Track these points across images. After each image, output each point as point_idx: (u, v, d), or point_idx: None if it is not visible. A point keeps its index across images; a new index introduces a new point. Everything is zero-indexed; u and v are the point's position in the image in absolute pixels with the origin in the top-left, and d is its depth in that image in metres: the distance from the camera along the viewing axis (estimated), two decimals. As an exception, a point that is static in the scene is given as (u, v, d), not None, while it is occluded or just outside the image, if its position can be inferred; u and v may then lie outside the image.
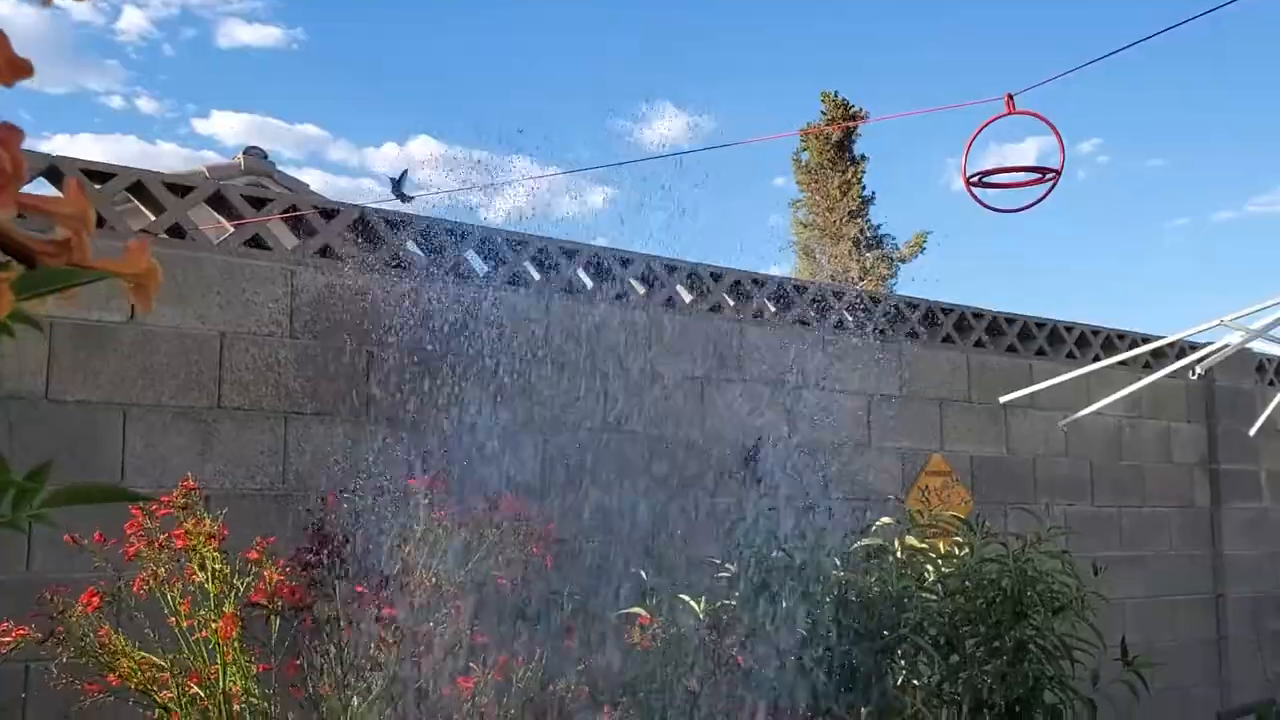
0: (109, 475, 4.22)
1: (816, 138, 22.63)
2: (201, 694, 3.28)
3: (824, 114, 22.95)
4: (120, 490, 1.12)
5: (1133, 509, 7.80)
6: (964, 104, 4.08)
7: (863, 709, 3.71)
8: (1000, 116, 3.79)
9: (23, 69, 0.79)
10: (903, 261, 23.64)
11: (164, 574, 3.28)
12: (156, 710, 3.29)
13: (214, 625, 3.27)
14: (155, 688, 3.26)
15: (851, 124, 21.56)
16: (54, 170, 4.34)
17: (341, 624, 3.27)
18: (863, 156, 23.43)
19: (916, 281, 24.21)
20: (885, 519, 4.50)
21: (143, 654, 3.28)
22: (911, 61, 31.05)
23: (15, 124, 0.80)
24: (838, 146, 23.06)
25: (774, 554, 4.13)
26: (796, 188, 23.78)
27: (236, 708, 3.29)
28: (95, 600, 3.22)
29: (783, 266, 23.41)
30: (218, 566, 3.32)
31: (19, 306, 0.83)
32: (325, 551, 3.33)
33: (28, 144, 0.82)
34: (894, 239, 23.81)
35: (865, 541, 4.32)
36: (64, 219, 0.88)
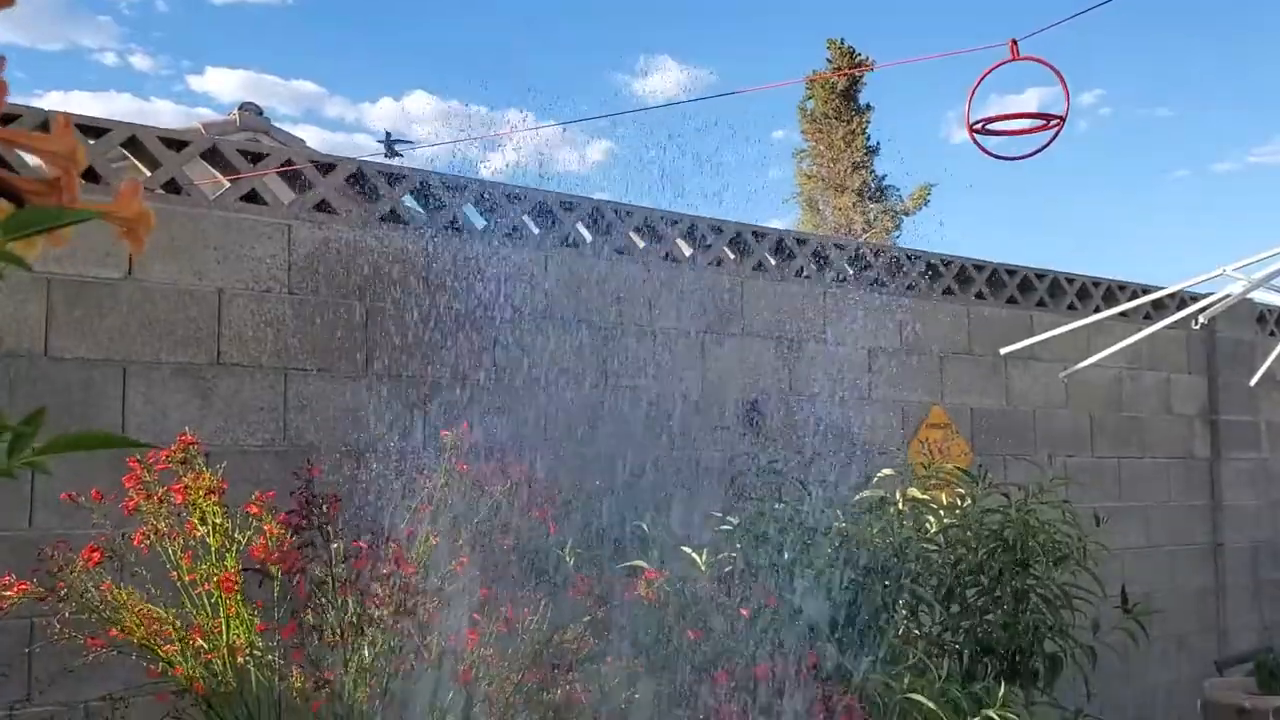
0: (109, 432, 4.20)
1: (822, 86, 22.41)
2: (205, 647, 3.29)
3: (830, 62, 22.73)
4: (118, 437, 1.10)
5: (1132, 460, 7.82)
6: (968, 50, 4.02)
7: (865, 659, 3.73)
8: (1005, 62, 3.74)
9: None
10: (906, 214, 23.53)
11: (164, 528, 3.28)
12: (160, 664, 3.30)
13: (216, 579, 3.27)
14: (158, 642, 3.27)
15: (857, 70, 21.36)
16: (47, 126, 4.29)
17: (336, 584, 3.27)
18: (868, 106, 23.23)
19: (922, 236, 24.17)
20: (887, 470, 4.50)
21: (145, 608, 3.29)
22: (918, 6, 30.71)
23: (-5, 50, 0.77)
24: (843, 95, 22.85)
25: (776, 506, 4.14)
26: (800, 138, 23.61)
27: (240, 660, 3.30)
28: (96, 555, 3.22)
29: (786, 219, 23.31)
30: (219, 521, 3.31)
31: (8, 248, 0.81)
32: (313, 514, 3.31)
33: (20, 100, 0.80)
34: (898, 190, 23.68)
35: (867, 493, 4.32)
36: (52, 157, 0.86)
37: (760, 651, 3.61)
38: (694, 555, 4.02)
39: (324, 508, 3.35)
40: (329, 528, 3.33)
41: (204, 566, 3.30)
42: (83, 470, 3.54)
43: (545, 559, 3.84)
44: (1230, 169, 32.23)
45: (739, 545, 4.06)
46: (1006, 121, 4.07)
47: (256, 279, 4.63)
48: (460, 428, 3.82)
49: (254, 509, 3.42)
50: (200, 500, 3.30)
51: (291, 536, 3.34)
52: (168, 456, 3.34)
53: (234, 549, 3.35)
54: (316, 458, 4.26)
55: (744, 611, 3.78)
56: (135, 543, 3.29)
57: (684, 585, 3.84)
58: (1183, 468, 8.12)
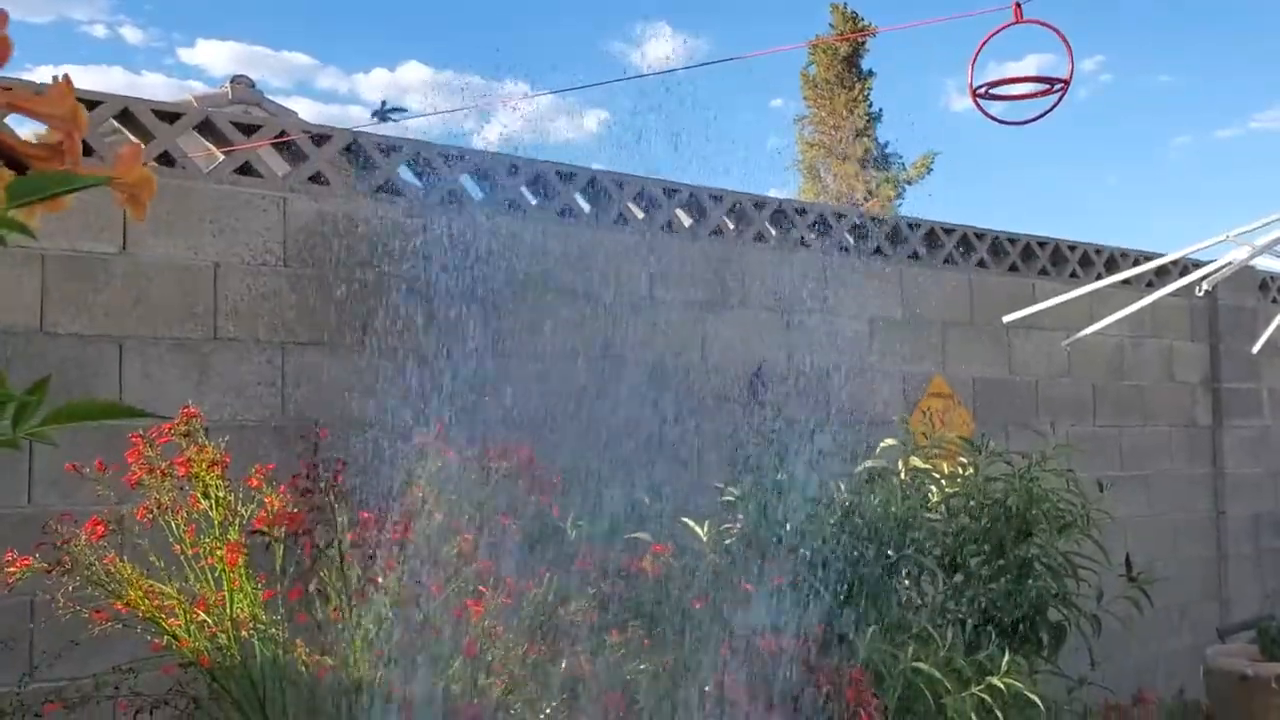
0: (114, 402, 4.18)
1: (825, 52, 22.28)
2: (209, 620, 3.28)
3: (832, 27, 22.58)
4: (122, 407, 1.08)
5: (1135, 428, 7.80)
6: (971, 13, 3.98)
7: (869, 628, 3.72)
8: (1008, 25, 3.69)
9: None
10: (909, 183, 23.44)
11: (167, 502, 3.26)
12: (165, 637, 3.29)
13: (219, 553, 3.26)
14: (163, 615, 3.26)
15: (860, 34, 21.22)
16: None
17: (342, 549, 3.26)
18: (870, 72, 23.11)
19: (928, 200, 24.05)
20: (889, 440, 4.48)
21: (150, 582, 3.27)
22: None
23: None
24: (845, 61, 22.71)
25: (777, 476, 4.12)
26: (801, 105, 23.50)
27: (245, 634, 3.29)
28: (100, 529, 3.20)
29: (788, 188, 23.22)
30: (221, 494, 3.29)
31: (10, 214, 0.78)
32: (319, 477, 3.30)
33: (10, 74, 0.77)
34: (900, 159, 23.58)
35: (869, 463, 4.30)
36: (53, 119, 0.82)
37: (764, 623, 3.60)
38: (695, 526, 4.01)
39: (331, 473, 3.34)
40: (335, 491, 3.32)
41: (207, 540, 3.29)
42: (80, 446, 3.52)
43: (547, 531, 3.83)
44: (1232, 135, 32.15)
45: (740, 516, 4.04)
46: (1010, 86, 4.02)
47: (252, 252, 4.59)
48: (456, 400, 3.80)
49: (255, 482, 3.40)
50: (203, 473, 3.28)
51: (300, 498, 3.33)
52: (170, 430, 3.32)
53: (236, 522, 3.33)
54: (316, 431, 4.24)
55: (747, 586, 3.77)
56: (139, 516, 3.27)
57: (687, 560, 3.83)
58: (1185, 436, 8.11)
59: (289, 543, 3.35)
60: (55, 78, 0.81)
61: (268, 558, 3.44)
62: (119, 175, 0.82)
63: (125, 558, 3.33)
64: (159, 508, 3.25)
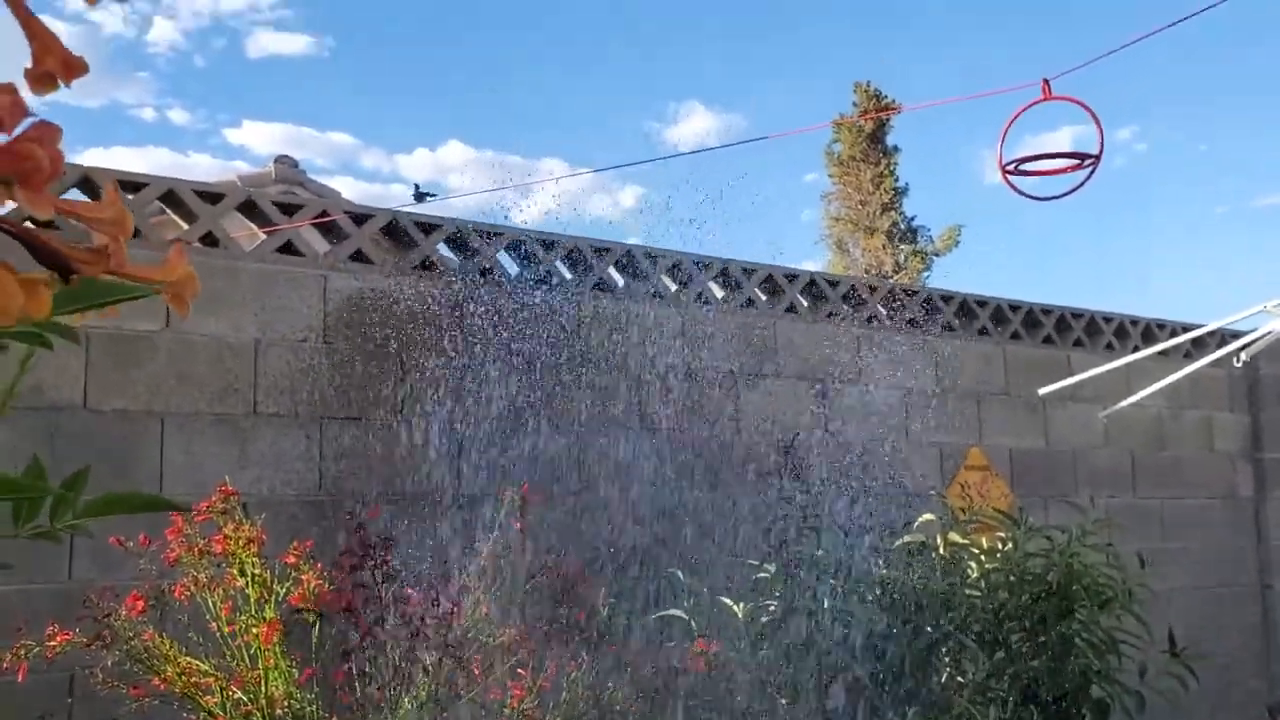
0: (148, 483, 4.24)
1: (849, 129, 22.48)
2: (245, 699, 3.28)
3: (856, 105, 22.81)
4: (157, 499, 1.10)
5: (1175, 500, 7.69)
6: (999, 91, 4.02)
7: (909, 708, 3.66)
8: (1037, 102, 3.72)
9: (78, 67, 0.77)
10: (937, 255, 23.46)
11: (205, 579, 3.28)
12: (201, 714, 3.29)
13: (255, 630, 3.27)
14: (199, 692, 3.27)
15: (884, 113, 21.40)
16: (87, 181, 4.36)
17: (388, 627, 3.26)
18: (895, 148, 23.27)
19: (951, 276, 24.00)
20: (927, 515, 4.45)
21: (187, 659, 3.28)
22: (943, 53, 30.82)
23: (51, 121, 0.78)
24: (870, 138, 22.90)
25: (816, 552, 4.09)
26: (828, 181, 23.66)
27: (279, 712, 3.29)
28: (140, 604, 3.23)
29: (816, 261, 23.28)
30: (257, 571, 3.32)
31: (57, 319, 0.81)
32: (369, 555, 3.32)
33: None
34: (928, 231, 23.63)
35: (907, 538, 4.27)
36: (101, 225, 0.85)
37: (807, 707, 3.56)
38: (732, 605, 3.98)
39: (379, 550, 3.36)
40: (381, 571, 3.34)
41: (243, 617, 3.30)
42: (121, 518, 3.56)
43: (585, 610, 3.81)
44: (1271, 204, 31.89)
45: (777, 593, 4.01)
46: (1040, 161, 4.05)
47: (293, 329, 4.66)
48: (518, 488, 3.82)
49: (291, 559, 3.42)
50: (240, 551, 3.31)
51: (345, 576, 3.34)
52: (208, 507, 3.35)
53: (273, 599, 3.35)
54: (353, 507, 4.26)
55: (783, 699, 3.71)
56: (177, 595, 3.30)
57: (729, 653, 3.78)
58: (1227, 507, 7.98)
59: (333, 621, 3.36)
60: (107, 184, 0.85)
61: (305, 635, 3.45)
62: (164, 276, 0.85)
63: (164, 633, 3.35)
64: (196, 585, 3.28)
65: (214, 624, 3.33)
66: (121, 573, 3.63)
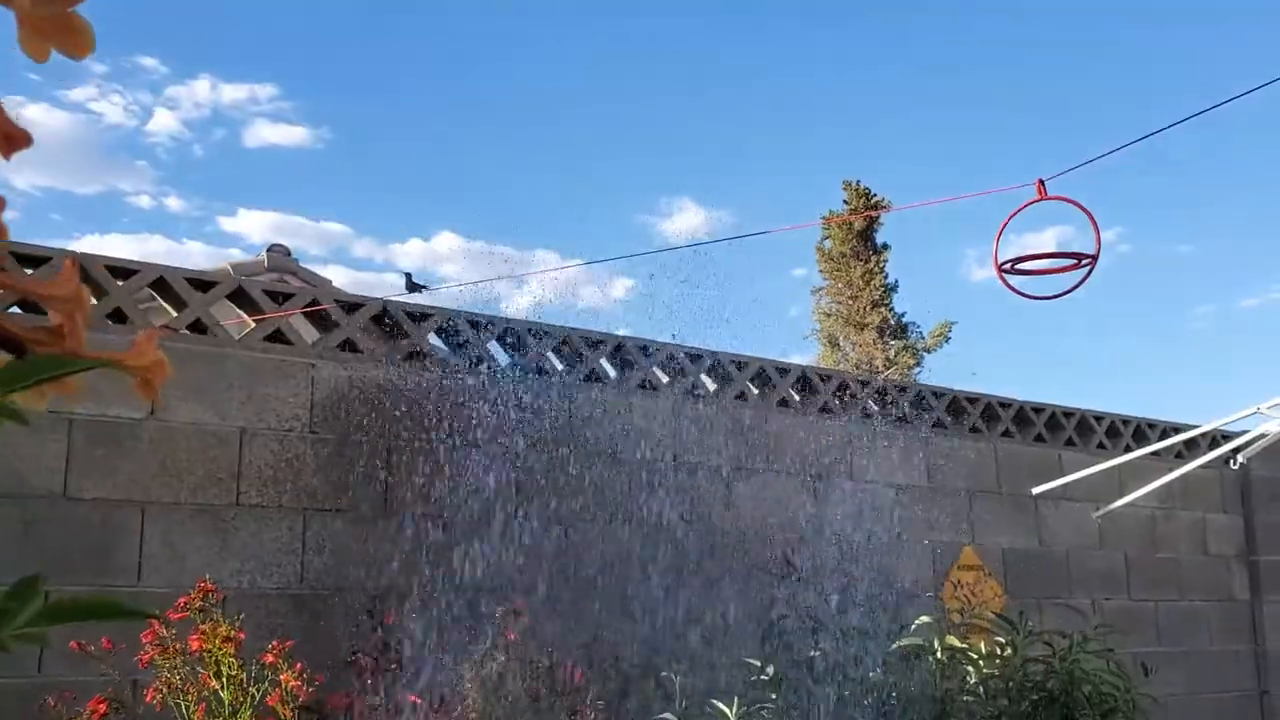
0: (126, 574, 4.12)
1: (839, 226, 22.73)
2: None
3: (846, 203, 23.11)
4: (112, 603, 1.02)
5: (1170, 602, 7.58)
6: (988, 191, 4.04)
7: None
8: (1034, 202, 3.74)
9: (20, 139, 0.73)
10: (927, 351, 23.55)
11: (177, 682, 3.16)
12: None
13: (230, 736, 3.14)
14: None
15: (873, 211, 21.67)
16: (80, 268, 4.32)
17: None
18: (885, 245, 23.51)
19: (941, 372, 24.06)
20: (924, 618, 4.35)
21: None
22: (931, 150, 31.32)
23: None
24: (860, 235, 23.15)
25: (812, 654, 3.99)
26: (818, 277, 23.85)
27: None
28: (102, 707, 3.10)
29: (806, 355, 23.34)
30: (234, 673, 3.20)
31: (6, 401, 0.75)
32: (385, 657, 3.22)
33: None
34: (919, 328, 23.76)
35: (904, 642, 4.17)
36: (55, 302, 0.80)
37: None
38: (724, 708, 3.86)
39: (392, 652, 3.25)
40: (389, 674, 3.23)
41: (217, 720, 3.18)
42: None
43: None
44: (1256, 304, 32.23)
45: (774, 697, 3.89)
46: (1036, 261, 4.05)
47: (279, 419, 4.59)
48: (481, 572, 3.73)
49: (270, 658, 3.31)
50: (216, 650, 3.19)
51: (356, 676, 3.23)
52: (185, 604, 3.25)
53: (248, 701, 3.22)
54: (336, 602, 4.15)
55: None
56: (148, 699, 3.17)
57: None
58: (1222, 610, 7.87)
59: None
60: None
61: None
62: (133, 361, 0.80)
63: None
64: (169, 688, 3.15)
65: (187, 727, 3.20)
66: (93, 671, 3.50)
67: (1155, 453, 6.88)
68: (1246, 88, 3.96)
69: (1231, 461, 5.83)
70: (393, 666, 3.30)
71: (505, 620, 3.55)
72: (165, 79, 31.10)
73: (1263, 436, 5.84)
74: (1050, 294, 3.92)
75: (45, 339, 0.80)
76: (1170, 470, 6.63)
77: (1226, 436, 7.09)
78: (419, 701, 3.28)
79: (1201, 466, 6.61)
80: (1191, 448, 7.52)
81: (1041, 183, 3.78)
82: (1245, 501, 8.07)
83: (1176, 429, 7.46)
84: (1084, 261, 3.79)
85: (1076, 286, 3.80)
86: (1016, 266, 4.00)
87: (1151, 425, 7.78)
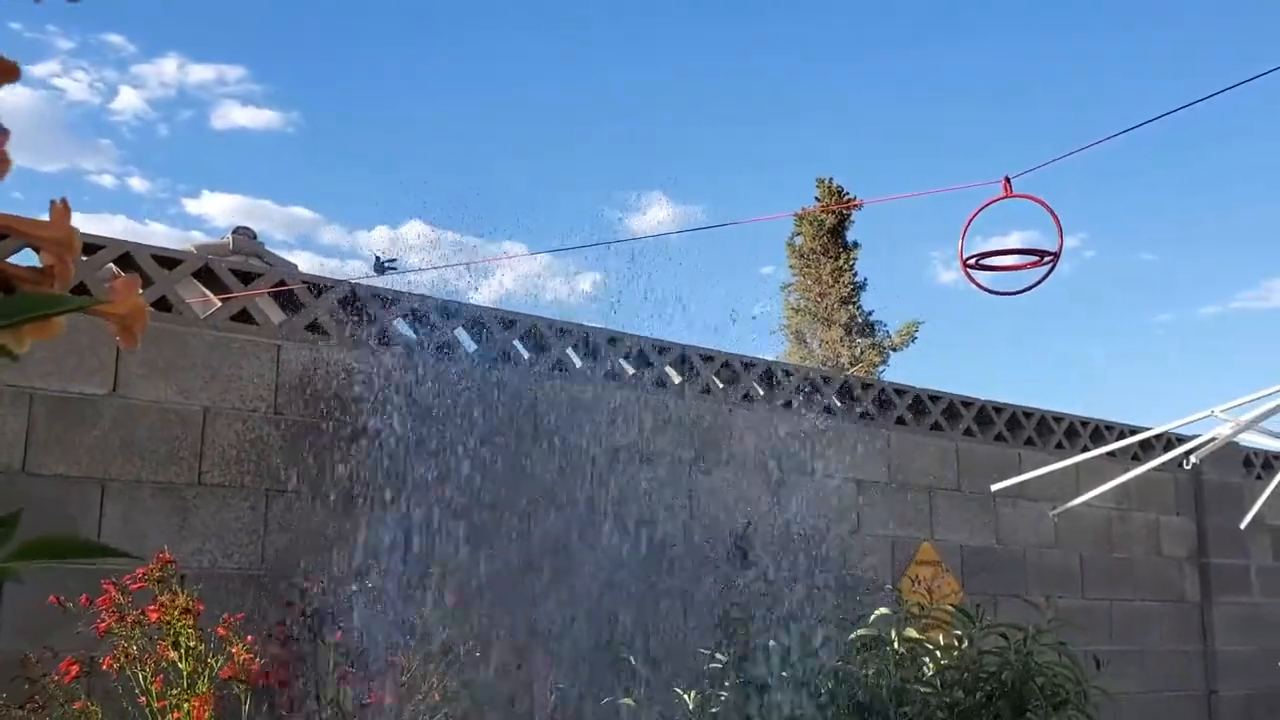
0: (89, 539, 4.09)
1: (810, 223, 22.84)
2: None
3: (819, 200, 23.22)
4: (96, 545, 1.03)
5: (1124, 601, 7.70)
6: (960, 186, 4.09)
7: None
8: (999, 199, 3.79)
9: (8, 71, 0.73)
10: (894, 349, 23.71)
11: (135, 652, 3.15)
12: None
13: (187, 705, 3.13)
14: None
15: (845, 206, 21.79)
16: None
17: (323, 702, 3.14)
18: (855, 244, 23.65)
19: (914, 366, 24.20)
20: (882, 609, 4.40)
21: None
22: (903, 148, 31.51)
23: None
24: (831, 232, 23.28)
25: (769, 643, 4.02)
26: (787, 274, 23.96)
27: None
28: (75, 669, 3.09)
29: (773, 350, 23.43)
30: (192, 644, 3.19)
31: None
32: (305, 627, 3.21)
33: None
34: (885, 326, 23.93)
35: (862, 632, 4.21)
36: (47, 243, 0.81)
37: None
38: (684, 695, 3.88)
39: (314, 625, 3.25)
40: (318, 643, 3.23)
41: (175, 692, 3.17)
42: (54, 590, 3.42)
43: (529, 694, 3.70)
44: (1215, 313, 32.70)
45: (728, 684, 3.93)
46: (1000, 257, 4.10)
47: (243, 399, 4.57)
48: (439, 552, 3.73)
49: (222, 631, 3.30)
50: (175, 621, 3.18)
51: (279, 647, 3.23)
52: (144, 575, 3.23)
53: (206, 673, 3.22)
54: (296, 581, 4.14)
55: None
56: (105, 666, 3.16)
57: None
58: (1175, 611, 8.00)
59: (265, 694, 3.23)
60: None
61: (239, 709, 3.31)
62: (111, 309, 0.81)
63: (95, 701, 3.21)
64: (127, 657, 3.14)
65: (144, 698, 3.18)
66: (54, 641, 3.48)
67: (1111, 454, 6.98)
68: (1210, 92, 4.03)
69: (1184, 464, 5.92)
70: (323, 640, 3.29)
71: (443, 585, 3.55)
72: (132, 57, 30.76)
73: (1215, 439, 5.95)
74: (1013, 290, 3.99)
75: (34, 279, 0.80)
76: (1125, 471, 6.73)
77: (1180, 439, 7.21)
78: (351, 673, 3.29)
79: (1156, 469, 6.72)
80: (1147, 450, 7.64)
81: (1008, 180, 3.83)
82: (1198, 504, 8.21)
83: (1133, 430, 7.58)
84: (1046, 259, 3.86)
85: (1039, 283, 3.86)
86: (981, 262, 4.06)
87: (1109, 427, 7.90)
